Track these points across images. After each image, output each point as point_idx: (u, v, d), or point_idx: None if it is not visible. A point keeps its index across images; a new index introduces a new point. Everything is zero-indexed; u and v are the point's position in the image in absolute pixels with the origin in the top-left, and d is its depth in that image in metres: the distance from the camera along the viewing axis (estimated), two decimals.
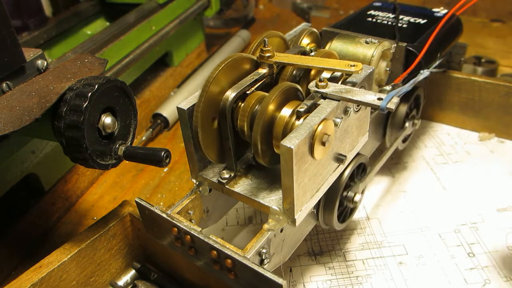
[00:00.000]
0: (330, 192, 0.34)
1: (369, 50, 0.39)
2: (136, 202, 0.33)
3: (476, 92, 0.53)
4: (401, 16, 0.48)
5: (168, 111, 0.61)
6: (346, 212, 0.39)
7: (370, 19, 0.48)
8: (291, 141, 0.26)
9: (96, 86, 0.30)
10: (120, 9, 0.63)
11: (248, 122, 0.30)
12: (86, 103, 0.30)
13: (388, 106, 0.28)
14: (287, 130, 0.29)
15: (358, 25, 0.47)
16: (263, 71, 0.32)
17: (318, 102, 0.30)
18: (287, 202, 0.29)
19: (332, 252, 0.41)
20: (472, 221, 0.44)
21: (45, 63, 0.37)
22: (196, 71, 0.71)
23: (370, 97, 0.29)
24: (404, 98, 0.45)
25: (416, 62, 0.41)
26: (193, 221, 0.35)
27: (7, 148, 0.40)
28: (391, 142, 0.46)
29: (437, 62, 0.46)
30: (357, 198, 0.37)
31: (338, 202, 0.35)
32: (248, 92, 0.31)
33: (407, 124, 0.46)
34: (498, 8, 0.87)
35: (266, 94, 0.30)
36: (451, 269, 0.39)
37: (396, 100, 0.28)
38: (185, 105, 0.30)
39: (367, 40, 0.40)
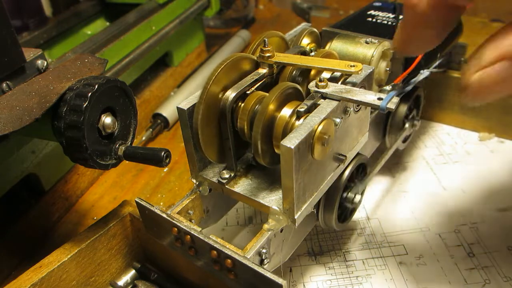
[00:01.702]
0: (330, 192, 0.34)
1: (369, 50, 0.39)
2: (136, 202, 0.33)
3: None
4: (401, 16, 0.48)
5: (168, 111, 0.61)
6: (346, 213, 0.39)
7: (370, 19, 0.48)
8: (291, 141, 0.26)
9: (96, 86, 0.30)
10: (120, 9, 0.63)
11: (248, 122, 0.30)
12: (86, 103, 0.30)
13: (388, 106, 0.28)
14: (287, 130, 0.29)
15: (358, 25, 0.47)
16: (263, 71, 0.32)
17: (318, 102, 0.30)
18: (287, 202, 0.29)
19: (332, 252, 0.41)
20: (472, 221, 0.44)
21: (45, 63, 0.37)
22: (196, 71, 0.71)
23: (370, 97, 0.29)
24: (404, 98, 0.45)
25: (416, 62, 0.41)
26: (193, 221, 0.35)
27: (7, 148, 0.40)
28: (391, 143, 0.46)
29: (437, 62, 0.46)
30: (357, 199, 0.37)
31: (338, 202, 0.35)
32: (248, 92, 0.31)
33: (406, 125, 0.46)
34: (498, 8, 0.87)
35: (266, 94, 0.30)
36: (451, 269, 0.39)
37: (396, 100, 0.28)
38: (185, 105, 0.31)
39: (367, 40, 0.40)
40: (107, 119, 0.32)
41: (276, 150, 0.30)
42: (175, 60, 0.69)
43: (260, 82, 0.32)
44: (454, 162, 0.51)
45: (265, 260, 0.30)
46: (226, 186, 0.33)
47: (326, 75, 0.33)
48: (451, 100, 0.55)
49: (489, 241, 0.41)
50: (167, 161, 0.31)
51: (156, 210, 0.32)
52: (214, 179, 0.33)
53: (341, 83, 0.32)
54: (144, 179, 0.53)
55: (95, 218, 0.48)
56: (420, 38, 0.27)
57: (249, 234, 0.44)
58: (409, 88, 0.39)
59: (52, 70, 0.36)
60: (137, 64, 0.58)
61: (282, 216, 0.30)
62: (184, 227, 0.30)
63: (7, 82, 0.34)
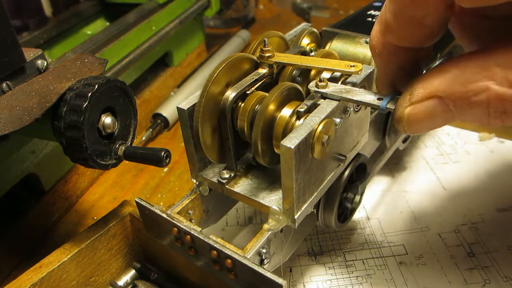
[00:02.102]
0: (330, 192, 0.34)
1: (369, 50, 0.39)
2: (136, 202, 0.33)
3: None
4: None
5: (168, 111, 0.61)
6: (346, 213, 0.39)
7: (370, 19, 0.48)
8: (291, 141, 0.26)
9: (96, 86, 0.30)
10: (120, 9, 0.63)
11: (248, 122, 0.30)
12: (86, 103, 0.30)
13: (388, 106, 0.28)
14: (287, 130, 0.29)
15: (358, 25, 0.47)
16: (263, 71, 0.32)
17: (318, 102, 0.30)
18: (287, 202, 0.29)
19: (332, 252, 0.41)
20: (472, 221, 0.44)
21: (45, 63, 0.37)
22: (196, 71, 0.71)
23: (370, 97, 0.29)
24: None
25: None
26: (193, 221, 0.35)
27: (7, 148, 0.40)
28: (391, 143, 0.46)
29: (437, 62, 0.46)
30: (356, 199, 0.37)
31: (338, 203, 0.35)
32: (248, 92, 0.31)
33: None
34: None
35: (266, 94, 0.30)
36: (451, 269, 0.39)
37: (396, 100, 0.28)
38: (185, 105, 0.31)
39: (367, 40, 0.40)
40: (107, 119, 0.32)
41: (276, 150, 0.30)
42: (175, 60, 0.69)
43: (260, 82, 0.32)
44: (454, 162, 0.51)
45: (265, 260, 0.30)
46: (226, 186, 0.33)
47: (326, 75, 0.33)
48: None
49: (489, 241, 0.41)
50: (167, 161, 0.31)
51: (156, 210, 0.32)
52: (214, 179, 0.33)
53: (341, 83, 0.32)
54: (144, 179, 0.53)
55: (95, 218, 0.48)
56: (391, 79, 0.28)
57: (249, 234, 0.44)
58: None
59: (52, 70, 0.36)
60: (137, 64, 0.58)
61: (282, 216, 0.30)
62: (184, 227, 0.30)
63: (7, 82, 0.34)
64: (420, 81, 0.24)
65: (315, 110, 0.29)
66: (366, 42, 0.40)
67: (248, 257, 0.28)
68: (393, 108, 0.28)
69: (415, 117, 0.24)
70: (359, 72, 0.31)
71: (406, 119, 0.25)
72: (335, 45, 0.41)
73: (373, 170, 0.42)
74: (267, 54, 0.32)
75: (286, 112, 0.29)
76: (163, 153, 0.31)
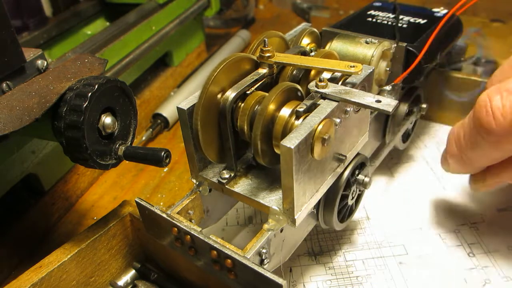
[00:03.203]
0: (330, 192, 0.34)
1: (369, 50, 0.39)
2: (136, 202, 0.33)
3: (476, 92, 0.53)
4: (401, 16, 0.48)
5: (168, 111, 0.61)
6: (346, 212, 0.39)
7: (370, 19, 0.48)
8: (291, 141, 0.26)
9: (96, 86, 0.30)
10: (120, 9, 0.63)
11: (248, 122, 0.30)
12: (86, 103, 0.30)
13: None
14: (287, 130, 0.29)
15: (358, 25, 0.47)
16: (263, 71, 0.32)
17: (318, 102, 0.30)
18: (287, 202, 0.29)
19: (332, 252, 0.41)
20: (472, 221, 0.44)
21: (45, 63, 0.37)
22: (196, 71, 0.71)
23: (369, 99, 0.29)
24: (404, 98, 0.45)
25: (416, 62, 0.41)
26: (193, 221, 0.35)
27: (7, 148, 0.40)
28: (390, 138, 0.46)
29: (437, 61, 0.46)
30: (366, 179, 0.37)
31: (338, 202, 0.35)
32: (248, 92, 0.31)
33: (415, 109, 0.47)
34: (498, 8, 0.87)
35: (266, 94, 0.30)
36: (451, 269, 0.39)
37: (394, 103, 0.29)
38: (185, 105, 0.31)
39: (367, 40, 0.40)
40: (107, 119, 0.32)
41: (276, 150, 0.30)
42: (175, 60, 0.69)
43: (260, 82, 0.32)
44: None
45: (265, 260, 0.30)
46: (226, 186, 0.33)
47: (326, 75, 0.33)
48: (451, 100, 0.55)
49: (489, 241, 0.41)
50: (167, 161, 0.31)
51: (156, 210, 0.32)
52: (214, 179, 0.33)
53: (341, 83, 0.32)
54: (144, 179, 0.53)
55: (95, 218, 0.48)
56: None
57: (249, 234, 0.44)
58: None
59: (52, 70, 0.36)
60: (137, 64, 0.58)
61: (282, 216, 0.30)
62: (184, 227, 0.30)
63: (7, 82, 0.34)
64: (493, 172, 0.38)
65: (315, 110, 0.29)
66: (366, 42, 0.40)
67: (248, 257, 0.28)
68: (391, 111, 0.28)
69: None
70: (359, 73, 0.31)
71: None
72: (335, 45, 0.41)
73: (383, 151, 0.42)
74: (267, 54, 0.32)
75: (286, 112, 0.29)
76: (163, 153, 0.31)
